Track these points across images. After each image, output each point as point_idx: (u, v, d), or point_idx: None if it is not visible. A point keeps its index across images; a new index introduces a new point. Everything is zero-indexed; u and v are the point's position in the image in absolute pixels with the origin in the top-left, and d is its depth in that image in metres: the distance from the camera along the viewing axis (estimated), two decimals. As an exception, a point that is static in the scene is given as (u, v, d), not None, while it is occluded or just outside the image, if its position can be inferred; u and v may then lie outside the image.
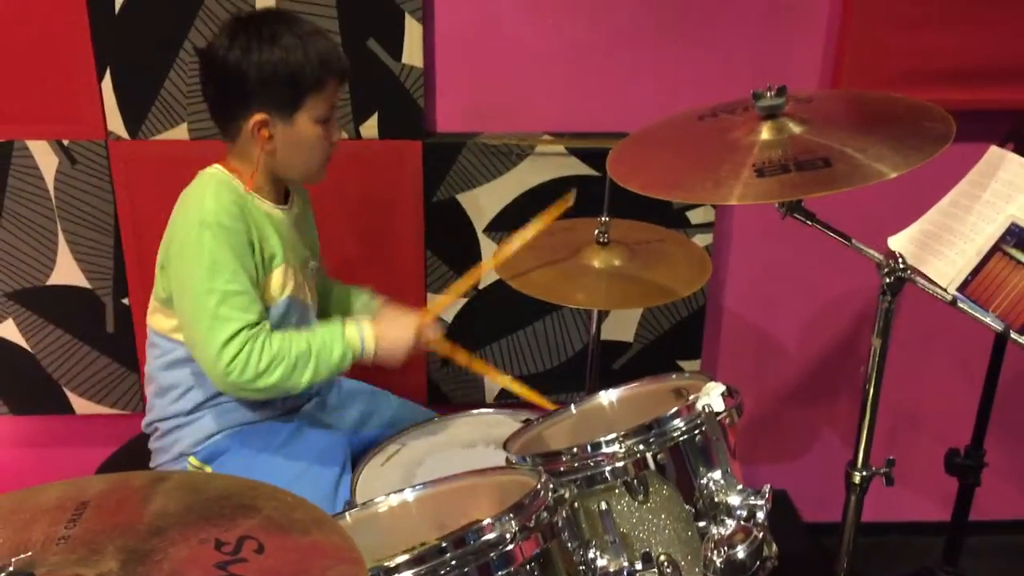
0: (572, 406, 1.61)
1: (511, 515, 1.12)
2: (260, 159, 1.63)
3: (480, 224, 2.19)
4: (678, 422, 1.34)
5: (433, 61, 2.11)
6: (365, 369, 2.06)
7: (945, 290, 1.56)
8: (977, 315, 1.51)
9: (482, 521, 1.11)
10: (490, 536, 1.10)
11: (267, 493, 1.01)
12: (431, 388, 2.32)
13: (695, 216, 2.21)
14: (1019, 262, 1.56)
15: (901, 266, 1.46)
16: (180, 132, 2.07)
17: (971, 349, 2.07)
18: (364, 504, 1.40)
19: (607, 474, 1.31)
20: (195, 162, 1.69)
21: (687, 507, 1.34)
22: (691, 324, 2.32)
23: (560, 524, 1.17)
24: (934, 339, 2.41)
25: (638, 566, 1.20)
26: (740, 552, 1.22)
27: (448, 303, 1.83)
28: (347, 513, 1.38)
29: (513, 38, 2.10)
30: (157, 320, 1.72)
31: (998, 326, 1.50)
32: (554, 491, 1.21)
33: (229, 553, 0.89)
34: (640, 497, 1.32)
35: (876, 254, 1.50)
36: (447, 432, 1.84)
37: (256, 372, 1.55)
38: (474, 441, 1.80)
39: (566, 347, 2.31)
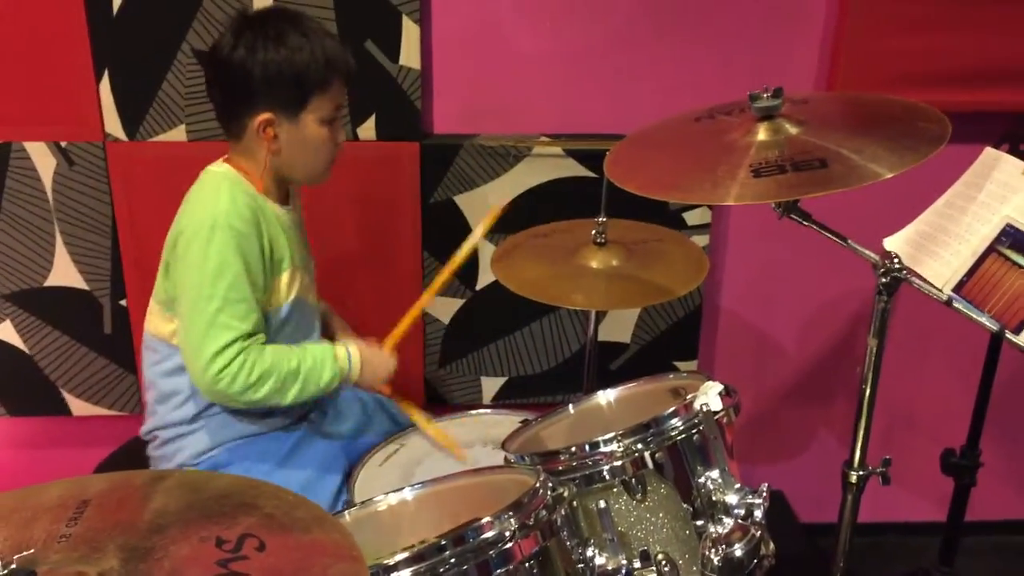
0: (570, 406, 1.62)
1: (510, 513, 1.13)
2: (266, 160, 1.63)
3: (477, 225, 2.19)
4: (676, 421, 1.35)
5: (430, 63, 2.11)
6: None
7: (941, 290, 1.57)
8: (972, 315, 1.52)
9: (481, 519, 1.12)
10: (489, 534, 1.11)
11: (268, 492, 1.01)
12: (428, 389, 2.32)
13: (692, 217, 2.22)
14: (1014, 263, 1.57)
15: (897, 266, 1.47)
16: (178, 134, 2.07)
17: (966, 350, 2.08)
18: (363, 503, 1.40)
19: (605, 473, 1.32)
20: (193, 163, 1.69)
21: (685, 506, 1.35)
22: (688, 325, 2.32)
23: (559, 522, 1.18)
24: (930, 340, 2.42)
25: (636, 564, 1.20)
26: (738, 550, 1.23)
27: (405, 331, 1.84)
28: (347, 512, 1.38)
29: (510, 40, 2.11)
30: (156, 324, 1.71)
31: (993, 326, 1.51)
32: (553, 490, 1.21)
33: (230, 551, 0.89)
34: (638, 496, 1.33)
35: (872, 254, 1.50)
36: (446, 432, 1.84)
37: (245, 384, 1.55)
38: (472, 441, 1.80)
39: (563, 348, 2.31)
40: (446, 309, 2.26)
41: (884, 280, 1.49)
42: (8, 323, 2.20)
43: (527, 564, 1.13)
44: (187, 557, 0.89)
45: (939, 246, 1.67)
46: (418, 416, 1.85)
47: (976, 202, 1.66)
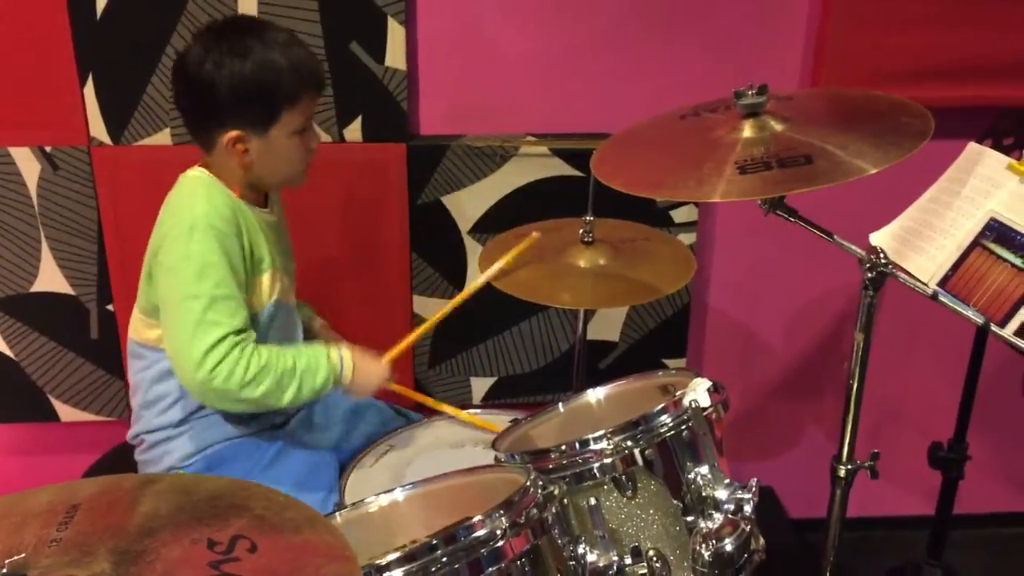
0: (560, 404, 1.62)
1: (501, 512, 1.14)
2: (238, 171, 1.62)
3: (465, 225, 2.20)
4: (665, 418, 1.36)
5: (416, 64, 2.11)
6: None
7: (926, 285, 1.58)
8: (958, 309, 1.53)
9: (472, 518, 1.12)
10: (480, 533, 1.11)
11: (258, 493, 1.01)
12: (418, 390, 2.32)
13: (679, 215, 2.22)
14: (998, 257, 1.58)
15: (882, 261, 1.48)
16: (163, 137, 2.07)
17: (953, 344, 2.09)
18: (354, 504, 1.40)
19: (595, 471, 1.33)
20: (178, 167, 1.68)
21: (675, 502, 1.35)
22: (676, 323, 2.33)
23: (550, 520, 1.18)
24: (916, 334, 2.44)
25: (627, 560, 1.21)
26: (728, 545, 1.24)
27: (411, 343, 1.84)
28: (338, 513, 1.38)
29: (496, 40, 2.11)
30: (140, 332, 1.70)
31: (979, 319, 1.52)
32: (543, 488, 1.22)
33: (222, 552, 0.89)
34: (628, 493, 1.33)
35: (858, 249, 1.52)
36: (436, 433, 1.85)
37: (242, 381, 1.52)
38: (463, 441, 1.80)
39: (552, 347, 2.32)
40: (435, 310, 2.25)
41: (870, 275, 1.50)
42: (-6, 329, 2.19)
43: (518, 562, 1.13)
44: (179, 559, 0.89)
45: (924, 241, 1.68)
46: (445, 406, 1.87)
47: (960, 197, 1.67)
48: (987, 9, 2.10)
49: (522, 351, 2.32)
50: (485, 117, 2.16)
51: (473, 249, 2.20)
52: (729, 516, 1.27)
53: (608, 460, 1.33)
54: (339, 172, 2.11)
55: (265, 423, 1.75)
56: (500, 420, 1.82)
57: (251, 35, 1.56)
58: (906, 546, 2.39)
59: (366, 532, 1.35)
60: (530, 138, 2.16)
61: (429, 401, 1.90)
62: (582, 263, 1.84)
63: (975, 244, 1.61)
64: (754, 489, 1.30)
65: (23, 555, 0.85)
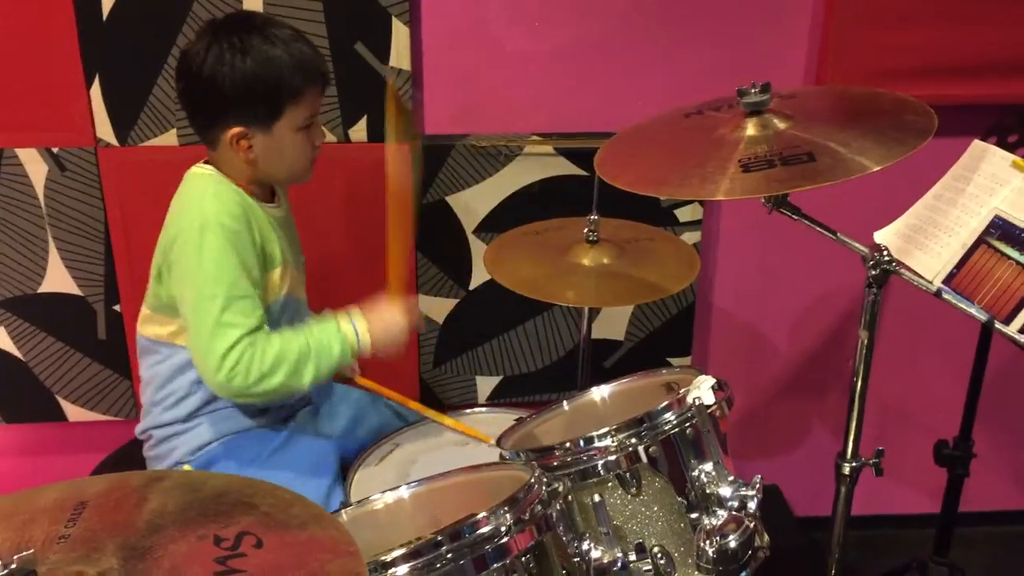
0: (564, 402, 1.63)
1: (505, 509, 1.14)
2: (243, 167, 1.62)
3: (470, 225, 2.20)
4: (669, 415, 1.36)
5: (421, 64, 2.12)
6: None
7: (930, 282, 1.58)
8: (962, 306, 1.53)
9: (477, 515, 1.12)
10: (485, 529, 1.12)
11: (264, 490, 1.02)
12: (424, 390, 2.33)
13: (683, 214, 2.23)
14: (1003, 254, 1.58)
15: (886, 259, 1.49)
16: (169, 138, 2.07)
17: (958, 341, 2.09)
18: (360, 502, 1.41)
19: (600, 468, 1.33)
20: (185, 167, 1.69)
21: (679, 499, 1.36)
22: (681, 322, 2.33)
23: (554, 517, 1.19)
24: (921, 332, 2.44)
25: (632, 557, 1.21)
26: (732, 542, 1.24)
27: (401, 269, 1.75)
28: (343, 511, 1.39)
29: (500, 40, 2.12)
30: (149, 328, 1.71)
31: (983, 316, 1.52)
32: (548, 485, 1.22)
33: (228, 548, 0.90)
34: (633, 490, 1.34)
35: (861, 247, 1.52)
36: (441, 431, 1.85)
37: (260, 374, 1.52)
38: (467, 439, 1.81)
39: (558, 347, 2.32)
40: (440, 309, 2.27)
41: (874, 272, 1.50)
42: (2, 330, 2.20)
43: (523, 558, 1.14)
44: (186, 555, 0.90)
45: (929, 239, 1.68)
46: (432, 413, 1.86)
47: (965, 194, 1.67)
48: (991, 6, 2.10)
49: (527, 350, 2.32)
50: (490, 117, 2.17)
51: (478, 248, 2.21)
52: (733, 513, 1.27)
53: (612, 457, 1.33)
54: (344, 172, 2.12)
55: (270, 418, 1.76)
56: (504, 419, 1.83)
57: (254, 31, 1.56)
58: (912, 544, 2.39)
59: (371, 529, 1.35)
60: (535, 137, 2.17)
61: (412, 404, 1.89)
62: (586, 262, 1.84)
63: (980, 242, 1.61)
64: (758, 486, 1.30)
65: (32, 551, 0.86)
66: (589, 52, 2.14)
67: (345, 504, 1.44)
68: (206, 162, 1.66)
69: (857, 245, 1.53)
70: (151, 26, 2.00)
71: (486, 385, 2.35)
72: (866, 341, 1.57)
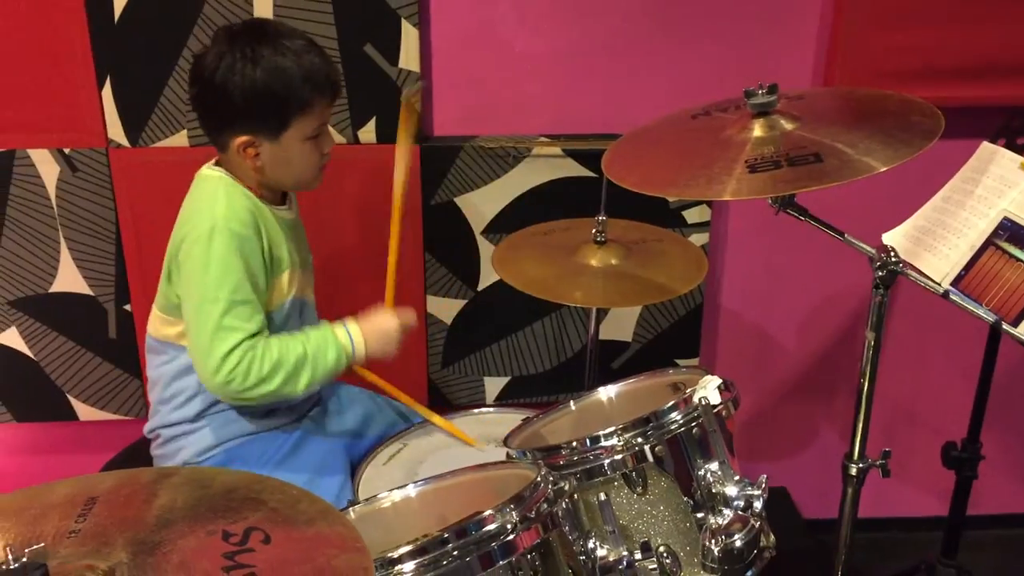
0: (571, 402, 1.63)
1: (512, 506, 1.15)
2: (251, 172, 1.63)
3: (478, 226, 2.21)
4: (675, 415, 1.37)
5: (430, 65, 2.13)
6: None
7: (938, 284, 1.59)
8: (969, 307, 1.53)
9: (483, 512, 1.13)
10: (491, 527, 1.13)
11: (272, 487, 1.03)
12: (432, 390, 2.34)
13: (691, 215, 2.23)
14: (1011, 256, 1.58)
15: (893, 260, 1.49)
16: (180, 139, 2.09)
17: (966, 343, 2.09)
18: (367, 500, 1.42)
19: (606, 467, 1.34)
20: (195, 168, 1.70)
21: (685, 499, 1.36)
22: (689, 323, 2.34)
23: (560, 515, 1.19)
24: (929, 334, 2.43)
25: (637, 556, 1.22)
26: (737, 541, 1.24)
27: (392, 278, 1.81)
28: (351, 509, 1.40)
29: (508, 42, 2.13)
30: (159, 328, 1.73)
31: (990, 318, 1.52)
32: (554, 484, 1.23)
33: (236, 544, 0.91)
34: (639, 489, 1.34)
35: (868, 248, 1.52)
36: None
37: (258, 379, 1.55)
38: (475, 439, 1.81)
39: (565, 348, 2.33)
40: (448, 310, 2.27)
41: (881, 273, 1.51)
42: (14, 329, 2.21)
43: (529, 556, 1.14)
44: (195, 550, 0.91)
45: (937, 240, 1.68)
46: (425, 411, 1.86)
47: (973, 196, 1.67)
48: (1000, 8, 2.10)
49: (535, 351, 2.33)
50: (498, 118, 2.18)
51: (486, 249, 2.22)
52: (739, 512, 1.28)
53: (619, 456, 1.33)
54: (353, 173, 2.13)
55: (279, 421, 1.77)
56: (512, 419, 1.83)
57: (265, 41, 1.56)
58: (920, 547, 2.38)
59: (379, 527, 1.36)
60: (543, 139, 2.18)
61: (407, 400, 1.89)
62: (594, 263, 1.85)
63: (988, 243, 1.61)
64: (764, 486, 1.31)
65: (43, 544, 0.87)
66: (597, 54, 2.15)
67: (353, 502, 1.45)
68: (217, 163, 1.68)
69: (864, 246, 1.53)
70: (162, 28, 2.01)
71: (494, 386, 2.35)
72: (873, 342, 1.57)
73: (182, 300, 1.63)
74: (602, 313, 2.22)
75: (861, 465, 1.62)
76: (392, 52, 2.06)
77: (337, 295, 2.02)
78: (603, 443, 1.35)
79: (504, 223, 2.20)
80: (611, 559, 1.21)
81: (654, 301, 2.23)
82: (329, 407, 1.89)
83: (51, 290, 2.19)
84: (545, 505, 1.17)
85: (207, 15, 2.00)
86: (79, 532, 0.94)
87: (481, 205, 2.19)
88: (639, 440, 1.34)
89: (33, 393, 2.27)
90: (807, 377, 2.50)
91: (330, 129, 1.70)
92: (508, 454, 1.43)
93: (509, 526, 1.13)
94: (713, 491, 1.32)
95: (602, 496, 1.25)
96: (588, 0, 2.10)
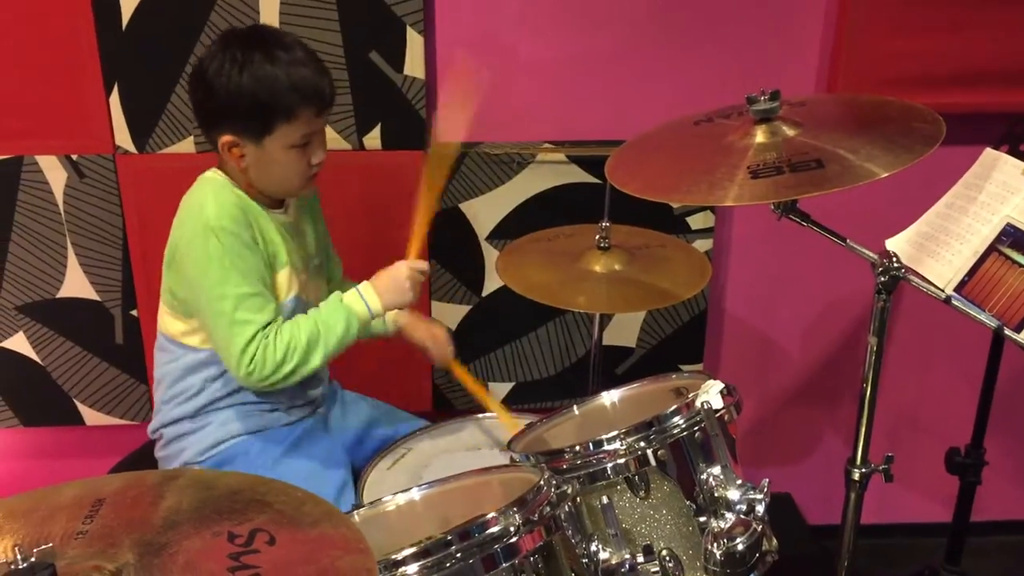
0: (575, 407, 1.64)
1: (515, 509, 1.15)
2: (241, 175, 1.66)
3: (483, 232, 2.22)
4: (678, 419, 1.37)
5: (435, 72, 2.14)
6: (370, 378, 2.10)
7: (941, 289, 1.59)
8: (972, 313, 1.53)
9: (487, 515, 1.14)
10: (494, 529, 1.13)
11: (277, 489, 1.04)
12: (436, 395, 2.35)
13: (695, 222, 2.24)
14: (1014, 262, 1.58)
15: (895, 265, 1.49)
16: (187, 145, 2.10)
17: (970, 349, 2.10)
18: (372, 503, 1.43)
19: (609, 471, 1.34)
20: (202, 172, 1.72)
21: (688, 502, 1.36)
22: (693, 329, 2.34)
23: (563, 518, 1.20)
24: (933, 340, 2.43)
25: (640, 559, 1.22)
26: (739, 545, 1.25)
27: (422, 235, 1.78)
28: (355, 512, 1.40)
29: (512, 49, 2.14)
30: (167, 324, 1.75)
31: (992, 323, 1.52)
32: (557, 487, 1.23)
33: (242, 545, 0.92)
34: (641, 493, 1.35)
35: (870, 253, 1.52)
36: (452, 436, 1.86)
37: (275, 365, 1.59)
38: (479, 444, 1.82)
39: (570, 353, 2.33)
40: (453, 316, 2.28)
41: (883, 279, 1.51)
42: (21, 334, 2.23)
43: (532, 558, 1.15)
44: (200, 551, 0.92)
45: (940, 246, 1.69)
46: (477, 389, 1.88)
47: (976, 202, 1.68)
48: (1002, 15, 2.11)
49: (539, 357, 2.33)
50: (502, 125, 2.18)
51: (491, 255, 2.23)
52: (741, 516, 1.28)
53: (621, 460, 1.34)
54: (359, 179, 2.14)
55: (283, 418, 1.78)
56: (520, 422, 1.84)
57: (258, 48, 1.58)
58: (924, 553, 2.39)
59: (383, 530, 1.37)
60: (547, 145, 2.19)
61: (482, 395, 1.90)
62: (598, 268, 1.86)
63: (991, 249, 1.61)
64: (766, 490, 1.31)
65: (51, 545, 0.88)
66: (602, 61, 2.16)
67: (357, 506, 1.46)
68: (218, 166, 1.70)
69: (866, 252, 1.53)
70: (169, 35, 2.03)
71: (499, 391, 2.36)
72: (875, 347, 1.57)
73: (193, 305, 1.66)
74: (606, 319, 2.23)
75: (864, 470, 1.62)
76: (397, 59, 2.08)
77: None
78: (606, 447, 1.35)
79: (508, 229, 2.21)
80: (613, 562, 1.21)
81: (657, 306, 2.23)
82: (332, 412, 1.90)
83: (58, 295, 2.20)
84: (548, 508, 1.18)
85: (214, 23, 2.02)
86: (86, 533, 0.95)
87: (485, 211, 2.21)
88: (642, 444, 1.35)
89: (40, 398, 2.29)
90: (811, 383, 2.50)
91: (323, 140, 1.68)
92: (512, 458, 1.44)
93: (512, 529, 1.14)
94: (715, 495, 1.33)
95: (605, 500, 1.26)
96: (591, 8, 2.11)
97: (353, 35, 2.05)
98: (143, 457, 1.94)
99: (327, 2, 2.02)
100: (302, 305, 1.74)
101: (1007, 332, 1.54)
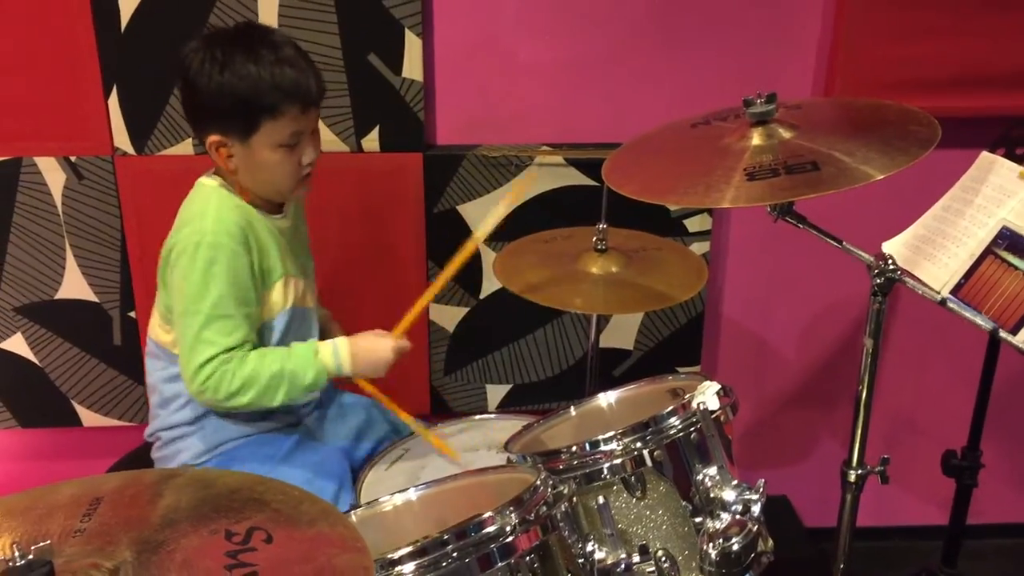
0: (572, 408, 1.64)
1: (511, 509, 1.16)
2: (233, 177, 1.65)
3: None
4: (674, 420, 1.38)
5: (433, 75, 2.15)
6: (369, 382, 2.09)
7: (937, 292, 1.60)
8: (967, 315, 1.54)
9: (483, 514, 1.14)
10: (491, 529, 1.14)
11: (275, 488, 1.04)
12: (434, 397, 2.35)
13: (693, 224, 2.24)
14: (1010, 265, 1.59)
15: (891, 267, 1.50)
16: (185, 147, 2.11)
17: (966, 351, 2.10)
18: (369, 504, 1.43)
19: (605, 471, 1.35)
20: (200, 176, 1.72)
21: (684, 503, 1.37)
22: (690, 331, 2.35)
23: (559, 518, 1.20)
24: (930, 342, 2.44)
25: (635, 559, 1.22)
26: (735, 545, 1.25)
27: (419, 312, 1.78)
28: (352, 512, 1.41)
29: (511, 52, 2.14)
30: (158, 332, 1.74)
31: (987, 325, 1.53)
32: (553, 487, 1.24)
33: (239, 543, 0.92)
34: (638, 493, 1.35)
35: (866, 256, 1.53)
36: (450, 437, 1.86)
37: (228, 393, 1.58)
38: (476, 445, 1.82)
39: (567, 355, 2.34)
40: (450, 318, 2.29)
41: (878, 281, 1.51)
42: (19, 335, 2.23)
43: (528, 558, 1.15)
44: (198, 549, 0.92)
45: (937, 249, 1.70)
46: (411, 421, 1.84)
47: (973, 206, 1.68)
48: (997, 20, 2.11)
49: (537, 359, 2.34)
50: (500, 127, 2.19)
51: (489, 258, 2.23)
52: (736, 516, 1.29)
53: (618, 461, 1.35)
54: (357, 181, 2.15)
55: (276, 423, 1.78)
56: (513, 426, 1.84)
57: (242, 46, 1.57)
58: (920, 555, 2.39)
59: (380, 530, 1.37)
60: (545, 148, 2.19)
61: (397, 411, 1.85)
62: (595, 270, 1.86)
63: (987, 252, 1.62)
64: (762, 490, 1.31)
65: (48, 542, 0.88)
66: (600, 64, 2.16)
67: (355, 506, 1.46)
68: (216, 171, 1.69)
69: (862, 254, 1.54)
70: (168, 37, 2.02)
71: (496, 393, 2.36)
72: (871, 349, 1.58)
73: (172, 307, 1.65)
74: (603, 320, 2.23)
75: (860, 472, 1.63)
76: (396, 61, 2.08)
77: (338, 301, 2.03)
78: (602, 447, 1.36)
79: (506, 232, 2.20)
80: (609, 562, 1.21)
81: (654, 308, 2.24)
82: (329, 412, 1.90)
83: (56, 297, 2.21)
84: (544, 508, 1.18)
85: (213, 24, 2.02)
86: (84, 531, 0.95)
87: (484, 213, 2.20)
88: (638, 445, 1.35)
89: (38, 399, 2.29)
90: (808, 385, 2.51)
91: (316, 140, 1.67)
92: (508, 458, 1.44)
93: (508, 528, 1.14)
94: (711, 495, 1.33)
95: (601, 500, 1.26)
96: (590, 11, 2.12)
97: (351, 37, 2.06)
98: (139, 458, 1.94)
99: (326, 4, 2.03)
100: (298, 314, 1.74)
101: (1002, 334, 1.55)
